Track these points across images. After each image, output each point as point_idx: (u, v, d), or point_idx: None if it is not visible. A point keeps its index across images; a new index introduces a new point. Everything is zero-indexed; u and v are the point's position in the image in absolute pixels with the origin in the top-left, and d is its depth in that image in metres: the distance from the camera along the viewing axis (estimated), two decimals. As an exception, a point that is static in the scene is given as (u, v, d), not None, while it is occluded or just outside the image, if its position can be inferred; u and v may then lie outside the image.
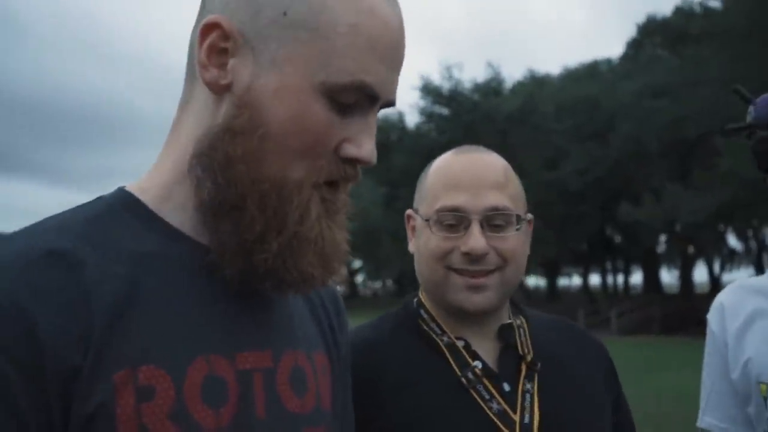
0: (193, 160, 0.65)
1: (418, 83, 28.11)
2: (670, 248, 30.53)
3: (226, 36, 0.63)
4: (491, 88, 28.29)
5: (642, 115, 21.91)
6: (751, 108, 1.16)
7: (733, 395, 1.18)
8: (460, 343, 1.02)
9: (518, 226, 1.01)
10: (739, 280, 1.28)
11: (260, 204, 0.62)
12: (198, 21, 0.66)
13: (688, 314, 19.56)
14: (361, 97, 0.64)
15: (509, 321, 1.06)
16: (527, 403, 0.97)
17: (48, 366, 0.55)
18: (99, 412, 0.56)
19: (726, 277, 31.90)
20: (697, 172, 21.06)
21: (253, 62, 0.63)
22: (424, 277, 1.05)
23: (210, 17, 0.64)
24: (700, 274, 37.39)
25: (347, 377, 0.84)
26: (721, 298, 1.24)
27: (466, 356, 1.00)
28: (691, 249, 27.52)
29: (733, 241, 30.77)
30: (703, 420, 1.23)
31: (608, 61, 29.90)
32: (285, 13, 0.63)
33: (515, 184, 1.05)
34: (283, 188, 0.63)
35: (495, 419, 0.94)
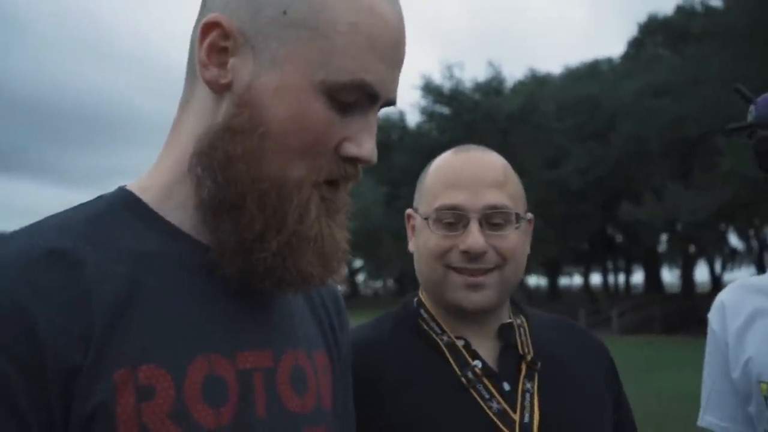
0: (193, 159, 0.65)
1: (419, 82, 28.11)
2: (671, 247, 30.51)
3: (226, 35, 0.64)
4: (492, 88, 28.26)
5: (643, 114, 21.88)
6: (752, 107, 1.16)
7: (734, 394, 1.18)
8: (460, 343, 1.02)
9: (517, 225, 1.01)
10: (740, 279, 1.28)
11: (260, 203, 0.62)
12: (198, 20, 0.66)
13: (689, 314, 19.56)
14: (362, 96, 0.64)
15: (509, 320, 1.06)
16: (527, 403, 0.97)
17: (48, 365, 0.55)
18: (99, 412, 0.56)
19: (727, 276, 31.88)
20: (698, 172, 21.04)
21: (253, 61, 0.63)
22: (424, 276, 1.05)
23: (210, 16, 0.64)
24: (702, 273, 37.43)
25: (348, 377, 0.84)
26: (722, 297, 1.24)
27: (466, 356, 1.00)
28: (692, 248, 27.50)
29: (734, 240, 30.79)
30: (704, 419, 1.23)
31: (609, 60, 29.87)
32: (285, 12, 0.63)
33: (515, 182, 1.05)
34: (283, 187, 0.63)
35: (495, 419, 0.94)
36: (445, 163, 1.06)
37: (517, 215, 1.02)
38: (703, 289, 32.35)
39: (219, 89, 0.65)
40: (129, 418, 0.57)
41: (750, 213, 21.92)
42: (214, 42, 0.64)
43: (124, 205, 0.66)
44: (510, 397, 0.97)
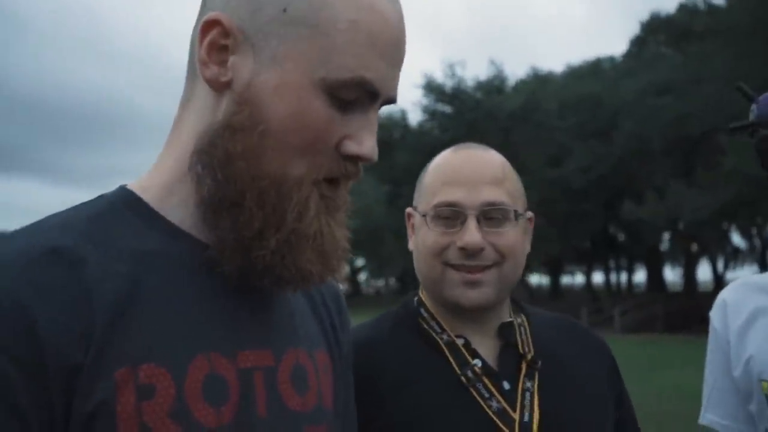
0: (193, 157, 0.65)
1: (421, 81, 28.11)
2: (673, 246, 30.45)
3: (226, 33, 0.64)
4: (494, 86, 28.23)
5: (645, 112, 21.84)
6: (753, 106, 1.15)
7: (735, 393, 1.17)
8: (459, 342, 1.02)
9: (516, 222, 1.01)
10: (743, 277, 1.28)
11: (259, 201, 0.62)
12: (199, 18, 0.66)
13: (691, 312, 19.54)
14: (362, 94, 0.64)
15: (510, 319, 1.06)
16: (527, 402, 0.97)
17: (49, 364, 0.55)
18: (100, 410, 0.56)
19: (730, 275, 31.83)
20: (701, 170, 21.01)
21: (253, 59, 0.63)
22: (423, 274, 1.05)
23: (210, 14, 0.64)
24: (704, 272, 37.35)
25: (349, 376, 0.84)
26: (723, 295, 1.24)
27: (466, 354, 1.00)
28: (694, 247, 27.45)
29: (736, 238, 30.73)
30: (705, 417, 1.23)
31: (611, 59, 29.82)
32: (285, 10, 0.63)
33: (513, 180, 1.05)
34: (283, 185, 0.63)
35: (494, 418, 0.94)
36: (444, 161, 1.06)
37: (516, 212, 1.01)
38: (706, 287, 32.32)
39: (219, 87, 0.65)
40: (129, 416, 0.57)
41: (752, 211, 21.88)
42: (214, 40, 0.64)
43: (125, 204, 0.66)
44: (510, 396, 0.97)
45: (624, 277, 39.84)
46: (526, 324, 1.07)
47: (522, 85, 28.77)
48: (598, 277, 42.74)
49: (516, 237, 1.01)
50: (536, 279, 45.06)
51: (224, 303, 0.66)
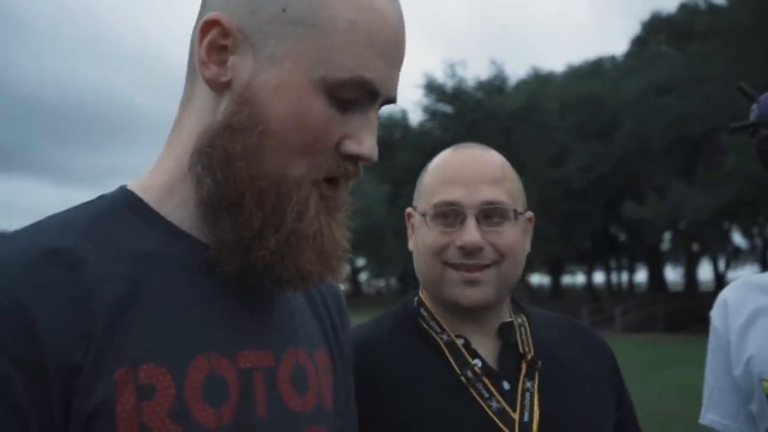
0: (193, 157, 0.65)
1: (422, 81, 28.08)
2: (674, 246, 30.41)
3: (225, 33, 0.64)
4: (495, 86, 28.21)
5: (646, 112, 21.83)
6: (754, 106, 1.15)
7: (736, 392, 1.17)
8: (459, 342, 1.02)
9: (516, 222, 1.01)
10: (743, 277, 1.28)
11: (258, 201, 0.62)
12: (199, 18, 0.66)
13: (692, 312, 19.52)
14: (362, 94, 0.64)
15: (510, 319, 1.06)
16: (527, 402, 0.97)
17: (49, 364, 0.55)
18: (100, 411, 0.56)
19: (731, 274, 31.78)
20: (702, 170, 20.99)
21: (252, 59, 0.63)
22: (423, 273, 1.05)
23: (210, 14, 0.64)
24: (705, 271, 37.32)
25: (350, 376, 0.84)
26: (724, 295, 1.24)
27: (466, 355, 1.00)
28: (695, 246, 27.43)
29: (738, 238, 30.67)
30: (706, 416, 1.23)
31: (612, 58, 29.79)
32: (284, 10, 0.63)
33: (513, 179, 1.05)
34: (282, 185, 0.63)
35: (494, 418, 0.94)
36: (443, 160, 1.06)
37: (515, 211, 1.02)
38: (707, 287, 32.28)
39: (219, 87, 0.65)
40: (129, 417, 0.57)
41: (754, 211, 21.85)
42: (214, 40, 0.64)
43: (125, 204, 0.66)
44: (510, 396, 0.97)
45: (625, 276, 39.84)
46: (526, 324, 1.07)
47: (523, 84, 28.75)
48: (599, 277, 42.74)
49: (515, 236, 1.01)
50: (537, 279, 45.05)
51: (224, 303, 0.66)
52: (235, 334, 0.65)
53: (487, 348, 1.02)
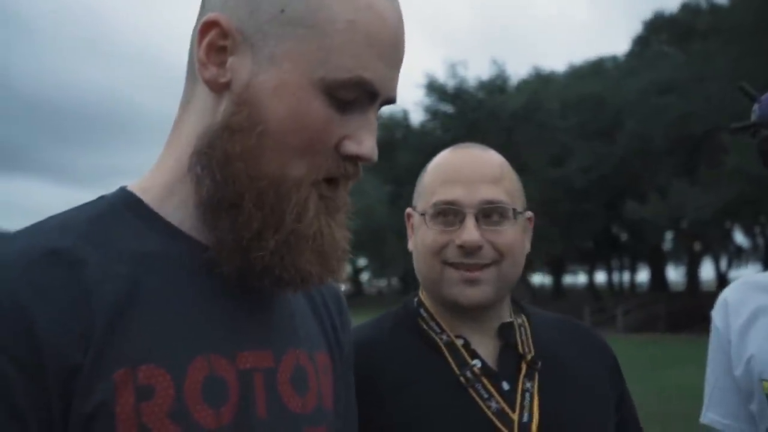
0: (192, 158, 0.65)
1: (423, 81, 28.08)
2: (676, 245, 30.38)
3: (224, 34, 0.64)
4: (496, 86, 28.19)
5: (648, 112, 21.81)
6: (755, 106, 1.15)
7: (736, 392, 1.17)
8: (459, 342, 1.02)
9: (515, 221, 1.01)
10: (744, 276, 1.28)
11: (257, 201, 0.62)
12: (198, 19, 0.66)
13: (694, 312, 19.50)
14: (361, 94, 0.64)
15: (510, 319, 1.06)
16: (526, 402, 0.97)
17: (48, 364, 0.55)
18: (99, 411, 0.56)
19: (733, 274, 31.75)
20: (704, 169, 20.96)
21: (251, 60, 0.63)
22: (422, 273, 1.05)
23: (209, 15, 0.64)
24: (707, 271, 37.30)
25: (350, 376, 0.84)
26: (725, 294, 1.24)
27: (465, 355, 1.00)
28: (697, 246, 27.39)
29: (740, 237, 30.65)
30: (706, 416, 1.23)
31: (614, 58, 29.78)
32: (283, 11, 0.63)
33: (512, 179, 1.05)
34: (281, 186, 0.63)
35: (493, 418, 0.94)
36: (442, 160, 1.07)
37: (515, 211, 1.02)
38: (709, 287, 32.22)
39: (218, 88, 0.65)
40: (128, 417, 0.57)
41: (756, 210, 21.83)
42: (213, 41, 0.64)
43: (125, 205, 0.66)
44: (509, 397, 0.97)
45: (627, 276, 39.82)
46: (526, 324, 1.07)
47: (524, 84, 28.73)
48: (600, 277, 42.74)
49: (515, 235, 1.01)
50: (539, 279, 45.02)
51: (224, 304, 0.66)
52: (235, 335, 0.65)
53: (486, 348, 1.02)
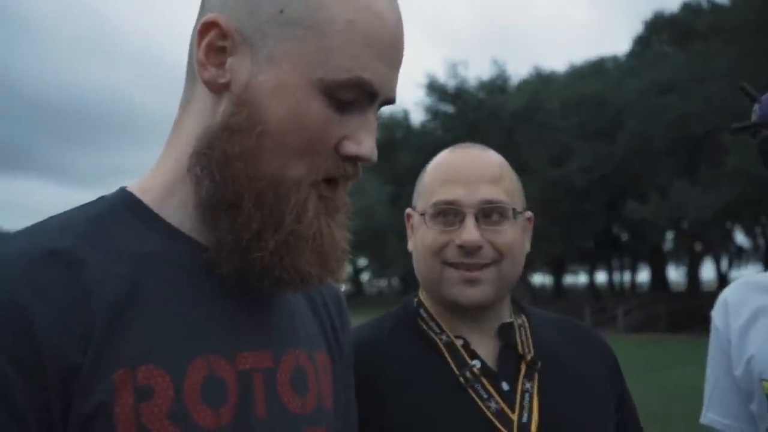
0: (192, 158, 0.65)
1: (424, 81, 28.08)
2: (677, 246, 30.38)
3: (224, 35, 0.64)
4: (496, 86, 28.19)
5: (648, 112, 21.80)
6: (756, 106, 1.15)
7: (736, 392, 1.17)
8: (458, 342, 1.02)
9: (515, 221, 1.01)
10: (744, 277, 1.28)
11: (257, 202, 0.62)
12: (198, 20, 0.66)
13: (694, 312, 19.49)
14: (360, 94, 0.64)
15: (510, 320, 1.06)
16: (526, 403, 0.97)
17: (48, 364, 0.55)
18: (98, 412, 0.56)
19: (734, 274, 31.73)
20: (705, 169, 20.95)
21: (251, 60, 0.63)
22: (422, 274, 1.05)
23: (208, 16, 0.64)
24: (708, 271, 37.30)
25: (350, 377, 0.84)
26: (725, 294, 1.24)
27: (465, 355, 1.00)
28: (698, 246, 27.39)
29: (740, 238, 30.64)
30: (706, 416, 1.23)
31: (614, 58, 29.78)
32: (282, 11, 0.63)
33: (512, 179, 1.05)
34: (281, 186, 0.63)
35: (492, 419, 0.94)
36: (442, 160, 1.07)
37: (514, 210, 1.02)
38: (709, 287, 32.23)
39: (217, 89, 0.65)
40: (128, 418, 0.57)
41: (756, 210, 21.83)
42: (212, 42, 0.64)
43: (124, 206, 0.66)
44: (508, 397, 0.97)
45: (627, 276, 39.82)
46: (526, 324, 1.07)
47: (525, 84, 28.73)
48: (601, 277, 42.74)
49: (514, 235, 1.01)
50: (539, 279, 45.04)
51: (223, 305, 0.66)
52: (234, 336, 0.65)
53: (486, 348, 1.02)
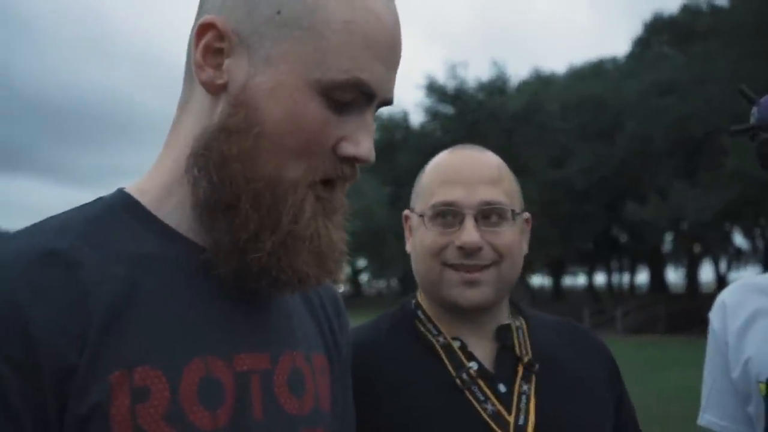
0: (189, 159, 0.65)
1: (423, 82, 28.10)
2: (676, 247, 30.39)
3: (221, 36, 0.64)
4: (496, 87, 28.21)
5: (648, 113, 21.82)
6: (754, 109, 1.15)
7: (734, 394, 1.17)
8: (455, 344, 1.02)
9: (513, 222, 1.02)
10: (743, 278, 1.28)
11: (254, 203, 0.62)
12: (196, 21, 0.66)
13: (693, 313, 19.48)
14: (358, 95, 0.64)
15: (507, 322, 1.06)
16: (522, 405, 0.97)
17: (44, 365, 0.55)
18: (94, 413, 0.56)
19: (732, 275, 31.71)
20: (704, 171, 20.96)
21: (248, 61, 0.63)
22: (421, 275, 1.05)
23: (205, 17, 0.64)
24: (706, 273, 37.31)
25: (348, 378, 0.84)
26: (723, 296, 1.24)
27: (462, 357, 1.00)
28: (697, 248, 27.41)
29: (739, 239, 30.65)
30: (704, 417, 1.23)
31: (614, 60, 29.81)
32: (279, 12, 0.63)
33: (510, 180, 1.05)
34: (278, 187, 0.63)
35: (489, 420, 0.94)
36: (441, 161, 1.07)
37: (513, 212, 1.02)
38: (708, 288, 32.26)
39: (215, 90, 0.65)
40: (124, 419, 0.57)
41: (755, 212, 21.84)
42: (209, 43, 0.64)
43: (122, 207, 0.66)
44: (505, 399, 0.97)
45: (626, 278, 39.82)
46: (524, 326, 1.07)
47: (524, 86, 28.75)
48: (600, 278, 42.72)
49: (513, 236, 1.02)
50: (538, 280, 45.03)
51: (221, 306, 0.66)
52: (232, 337, 0.65)
53: (483, 350, 1.02)
